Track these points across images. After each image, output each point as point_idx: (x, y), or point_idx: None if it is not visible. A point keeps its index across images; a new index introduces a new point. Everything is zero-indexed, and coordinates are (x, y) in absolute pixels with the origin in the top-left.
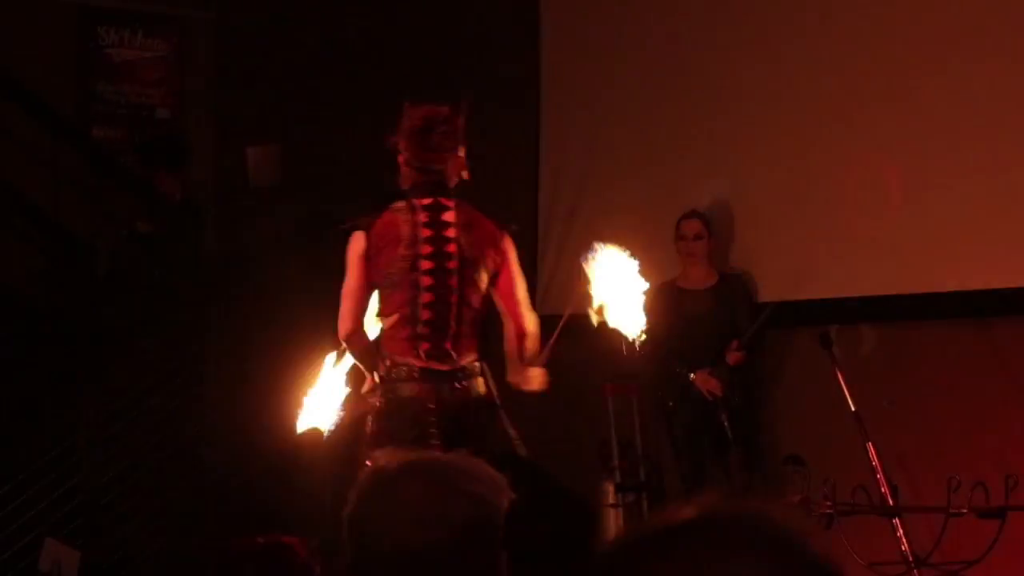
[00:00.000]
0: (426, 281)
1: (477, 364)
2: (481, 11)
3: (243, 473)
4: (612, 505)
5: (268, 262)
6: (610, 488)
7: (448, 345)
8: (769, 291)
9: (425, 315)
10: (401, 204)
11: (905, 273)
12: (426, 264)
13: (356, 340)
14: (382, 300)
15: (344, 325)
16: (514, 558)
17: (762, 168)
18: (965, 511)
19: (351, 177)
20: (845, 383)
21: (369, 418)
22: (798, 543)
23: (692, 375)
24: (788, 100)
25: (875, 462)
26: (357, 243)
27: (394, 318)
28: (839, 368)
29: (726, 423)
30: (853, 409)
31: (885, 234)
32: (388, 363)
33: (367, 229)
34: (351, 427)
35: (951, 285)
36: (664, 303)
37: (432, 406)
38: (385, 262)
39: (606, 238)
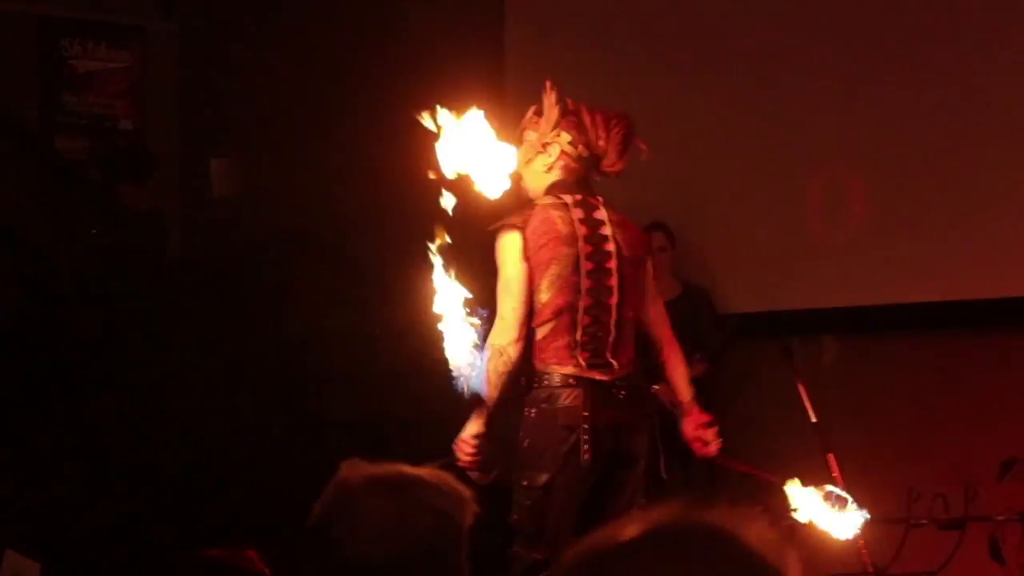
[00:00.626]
0: (587, 283)
1: (634, 375)
2: (447, 22)
3: (206, 483)
4: None
5: (232, 273)
6: None
7: (608, 354)
8: (732, 302)
9: (586, 320)
10: (549, 200)
11: (867, 285)
12: (587, 265)
13: (516, 352)
14: (533, 307)
15: (510, 331)
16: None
17: (726, 179)
18: (925, 522)
19: (316, 188)
20: (806, 394)
21: (520, 432)
22: (755, 554)
23: (655, 387)
24: (752, 110)
25: (835, 473)
26: (514, 242)
27: (550, 325)
28: (800, 379)
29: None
30: (814, 420)
31: (848, 247)
32: (541, 373)
33: (522, 227)
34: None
35: (912, 297)
36: None
37: (587, 413)
38: (544, 263)
39: None
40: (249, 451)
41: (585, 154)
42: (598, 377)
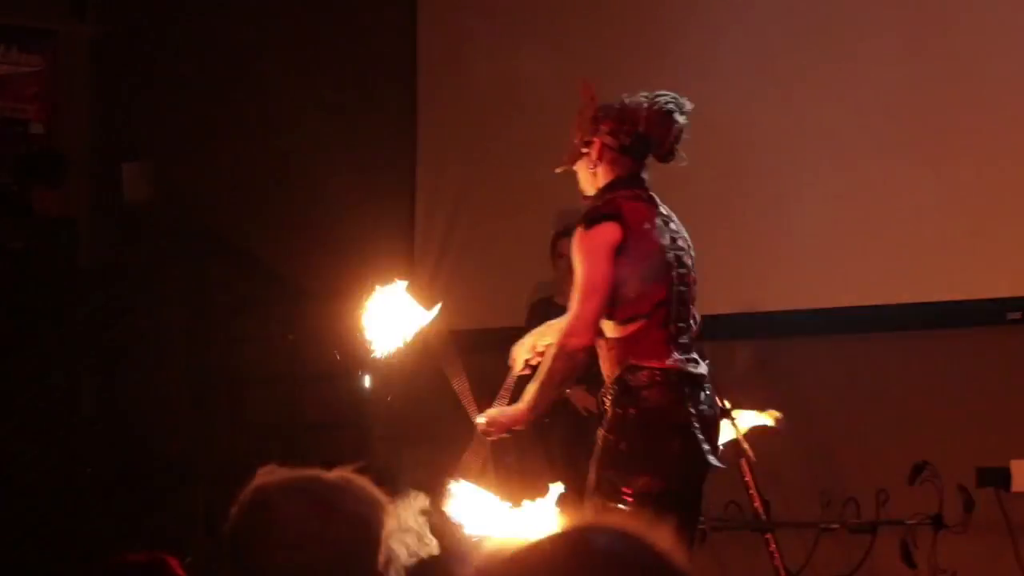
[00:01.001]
0: (674, 277)
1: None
2: (359, 18)
3: (116, 490)
4: None
5: (144, 279)
6: None
7: (694, 349)
8: None
9: (680, 314)
10: (628, 192)
11: (776, 289)
12: (672, 256)
13: (590, 352)
14: (624, 300)
15: (587, 332)
16: None
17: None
18: (837, 526)
19: (230, 193)
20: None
21: (607, 434)
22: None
23: (568, 391)
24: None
25: (747, 478)
26: (610, 233)
27: (645, 319)
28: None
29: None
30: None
31: (747, 250)
32: (636, 368)
33: (619, 218)
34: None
35: (822, 302)
36: (542, 319)
37: (693, 411)
38: (643, 255)
39: (485, 252)
40: (161, 454)
41: (628, 143)
42: (693, 371)
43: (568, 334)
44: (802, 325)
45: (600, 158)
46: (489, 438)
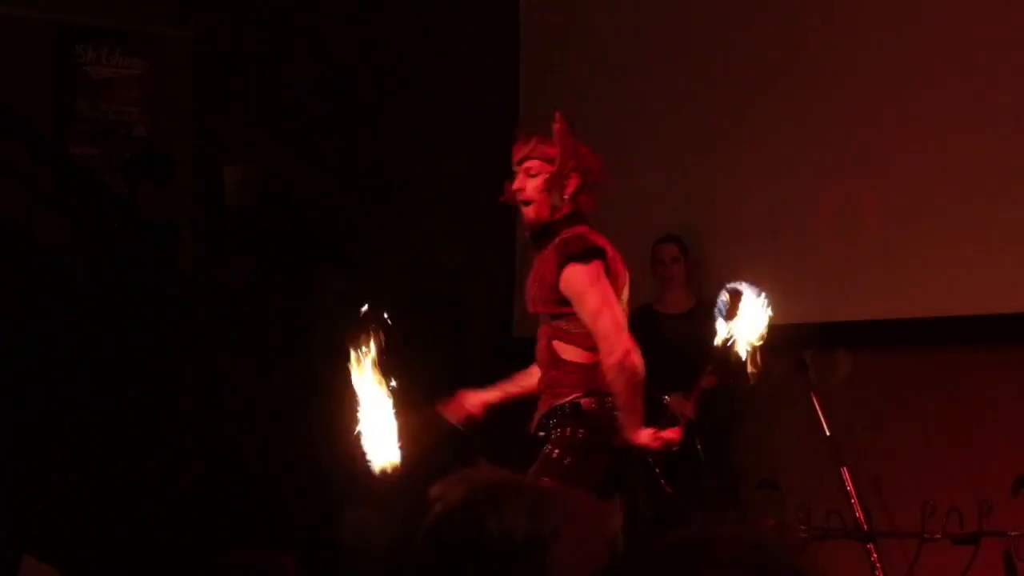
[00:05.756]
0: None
1: None
2: (461, 21)
3: (218, 491)
4: None
5: (245, 283)
6: None
7: None
8: None
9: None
10: (586, 227)
11: (879, 299)
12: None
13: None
14: None
15: (625, 335)
16: None
17: (738, 191)
18: (939, 536)
19: (332, 198)
20: (820, 408)
21: (554, 449)
22: (793, 565)
23: (666, 398)
24: (765, 122)
25: (849, 487)
26: (600, 269)
27: None
28: (814, 393)
29: (700, 447)
30: (828, 434)
31: (861, 259)
32: (598, 394)
33: (604, 255)
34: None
35: (926, 312)
36: (641, 327)
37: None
38: (616, 289)
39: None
40: (267, 460)
41: (592, 183)
42: None
43: (610, 352)
44: (907, 335)
45: (573, 190)
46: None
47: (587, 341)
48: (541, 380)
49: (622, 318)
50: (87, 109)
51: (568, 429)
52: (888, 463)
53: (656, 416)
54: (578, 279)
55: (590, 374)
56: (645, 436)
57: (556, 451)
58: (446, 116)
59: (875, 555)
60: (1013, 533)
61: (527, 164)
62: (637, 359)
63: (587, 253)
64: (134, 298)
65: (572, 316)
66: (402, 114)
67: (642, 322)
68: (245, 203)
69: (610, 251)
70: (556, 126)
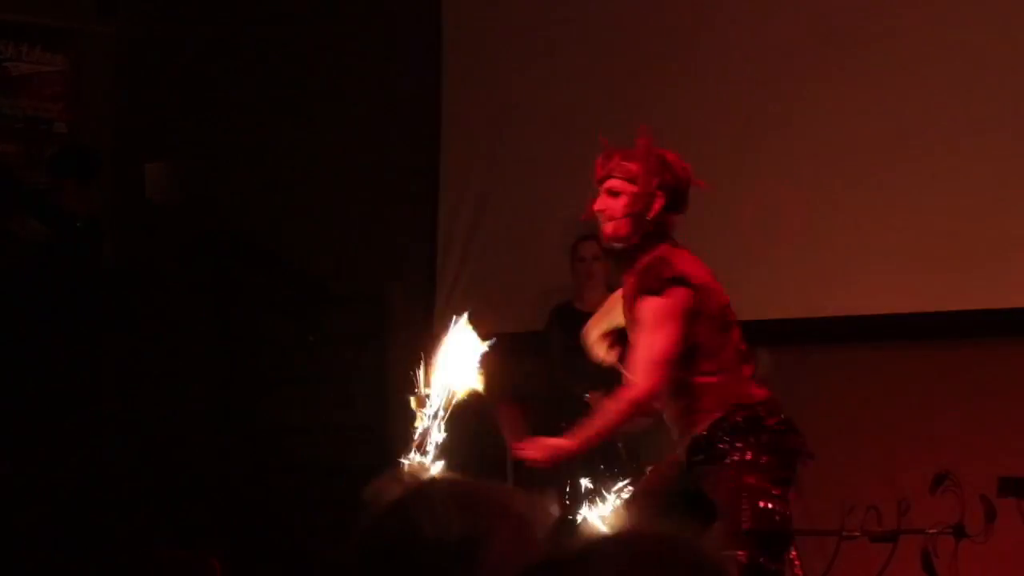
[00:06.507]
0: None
1: None
2: (382, 18)
3: (144, 488)
4: None
5: (165, 280)
6: None
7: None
8: None
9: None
10: (670, 244)
11: (800, 297)
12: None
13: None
14: (705, 350)
15: (658, 381)
16: None
17: None
18: (858, 534)
19: (253, 193)
20: None
21: (741, 454)
22: (703, 565)
23: (587, 396)
24: (693, 121)
25: None
26: (683, 298)
27: (731, 359)
28: None
29: (620, 444)
30: None
31: (778, 259)
32: (748, 405)
33: (689, 282)
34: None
35: (844, 310)
36: (562, 324)
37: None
38: (715, 305)
39: (508, 255)
40: (195, 454)
41: (678, 201)
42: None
43: (634, 384)
44: (826, 333)
45: (658, 211)
46: (533, 465)
47: (693, 364)
48: (667, 412)
49: (668, 356)
50: (7, 106)
51: (741, 441)
52: (807, 462)
53: (578, 414)
54: (649, 313)
55: (710, 398)
56: (536, 447)
57: (747, 454)
58: (368, 113)
59: (794, 552)
60: (931, 531)
61: (609, 183)
62: (649, 404)
63: (665, 284)
64: (56, 295)
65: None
66: (324, 111)
67: (562, 320)
68: (166, 199)
69: (692, 269)
70: (639, 141)
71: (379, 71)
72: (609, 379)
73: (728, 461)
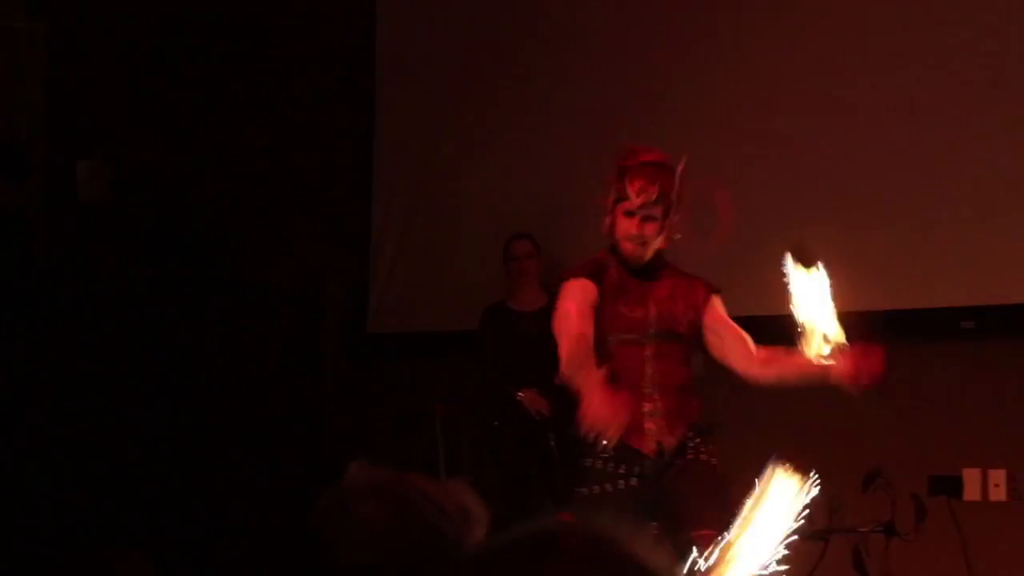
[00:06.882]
0: None
1: None
2: (316, 16)
3: (75, 487)
4: None
5: (97, 279)
6: None
7: None
8: None
9: None
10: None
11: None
12: None
13: None
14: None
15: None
16: None
17: (590, 187)
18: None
19: (186, 192)
20: None
21: (711, 459)
22: (634, 560)
23: (520, 394)
24: (622, 125)
25: None
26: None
27: None
28: None
29: (552, 443)
30: None
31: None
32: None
33: None
34: None
35: (775, 309)
36: (495, 324)
37: None
38: None
39: (441, 255)
40: (125, 453)
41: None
42: None
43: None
44: (755, 333)
45: (678, 231)
46: None
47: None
48: (666, 401)
49: None
50: None
51: (712, 445)
52: (736, 462)
53: (509, 412)
54: (722, 307)
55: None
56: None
57: (714, 459)
58: (301, 112)
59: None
60: (862, 529)
61: (650, 208)
62: None
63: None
64: None
65: (692, 340)
66: (256, 110)
67: (495, 319)
68: (99, 197)
69: None
70: (681, 168)
71: (313, 69)
72: (540, 378)
73: (704, 458)
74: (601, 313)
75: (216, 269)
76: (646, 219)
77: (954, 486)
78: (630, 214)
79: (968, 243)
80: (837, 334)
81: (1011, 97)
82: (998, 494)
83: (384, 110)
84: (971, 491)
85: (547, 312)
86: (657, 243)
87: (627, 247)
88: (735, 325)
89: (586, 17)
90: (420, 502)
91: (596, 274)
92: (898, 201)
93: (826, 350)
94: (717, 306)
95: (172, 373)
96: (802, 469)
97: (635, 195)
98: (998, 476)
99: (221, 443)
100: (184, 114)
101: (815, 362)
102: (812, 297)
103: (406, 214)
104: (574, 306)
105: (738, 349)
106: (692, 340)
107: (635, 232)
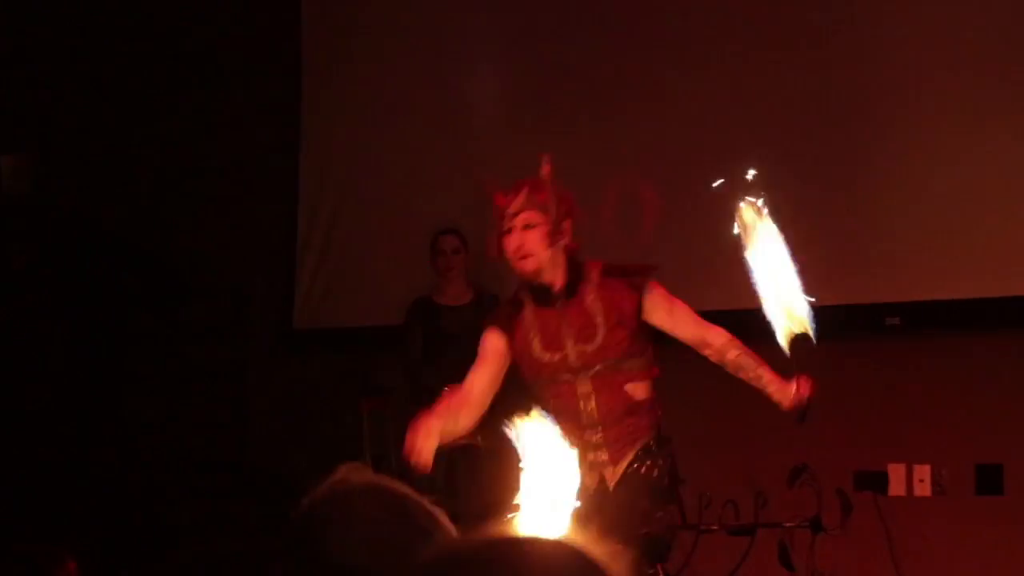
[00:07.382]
0: None
1: None
2: (244, 17)
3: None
4: None
5: (22, 274)
6: None
7: None
8: None
9: None
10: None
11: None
12: None
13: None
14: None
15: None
16: None
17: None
18: (716, 528)
19: (111, 188)
20: None
21: (652, 469)
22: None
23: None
24: (563, 118)
25: None
26: None
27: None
28: None
29: (479, 436)
30: None
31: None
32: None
33: None
34: None
35: (705, 304)
36: (421, 318)
37: None
38: None
39: (367, 249)
40: (53, 449)
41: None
42: None
43: (720, 332)
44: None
45: (571, 235)
46: None
47: (649, 370)
48: (609, 432)
49: None
50: None
51: (661, 459)
52: None
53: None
54: (663, 295)
55: (657, 405)
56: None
57: (656, 472)
58: (228, 106)
59: None
60: (788, 524)
61: (524, 216)
62: None
63: (649, 272)
64: None
65: (636, 353)
66: (183, 104)
67: (422, 314)
68: (21, 191)
69: None
70: (545, 168)
71: (238, 65)
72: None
73: (645, 472)
74: (520, 360)
75: (141, 264)
76: (526, 227)
77: (879, 481)
78: (509, 231)
79: (893, 239)
80: (801, 317)
81: (933, 91)
82: (923, 489)
83: (310, 106)
84: (896, 486)
85: (473, 306)
86: (549, 254)
87: (518, 267)
88: (682, 309)
89: (509, 16)
90: (416, 511)
91: (508, 320)
92: (824, 197)
93: (796, 327)
94: (654, 297)
95: (95, 369)
96: (729, 463)
97: (504, 207)
98: (923, 471)
99: (145, 439)
100: (109, 109)
101: (770, 386)
102: (771, 263)
103: (332, 209)
104: (477, 361)
105: (687, 336)
106: (640, 348)
107: (516, 245)
